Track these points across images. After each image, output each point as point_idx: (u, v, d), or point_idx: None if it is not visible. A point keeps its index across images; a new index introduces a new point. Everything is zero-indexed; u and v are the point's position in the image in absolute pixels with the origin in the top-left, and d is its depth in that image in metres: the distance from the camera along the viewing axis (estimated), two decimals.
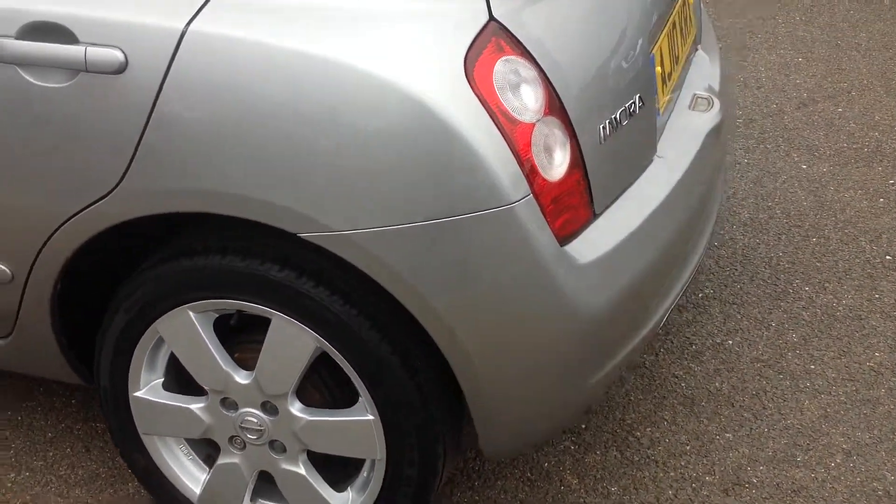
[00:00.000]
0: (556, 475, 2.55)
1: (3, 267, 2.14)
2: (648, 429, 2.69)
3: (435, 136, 1.79)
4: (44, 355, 2.27)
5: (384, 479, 2.11)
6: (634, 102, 2.12)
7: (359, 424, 2.06)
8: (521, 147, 1.85)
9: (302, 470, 2.16)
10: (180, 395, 2.19)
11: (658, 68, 2.31)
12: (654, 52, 2.28)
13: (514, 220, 1.84)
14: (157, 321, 2.09)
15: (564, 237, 1.94)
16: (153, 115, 1.89)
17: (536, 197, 1.86)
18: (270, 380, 2.07)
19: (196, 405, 2.17)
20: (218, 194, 1.90)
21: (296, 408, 2.09)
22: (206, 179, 1.90)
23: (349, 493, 2.18)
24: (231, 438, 2.18)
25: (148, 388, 2.19)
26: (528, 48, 1.91)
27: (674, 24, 2.47)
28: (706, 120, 2.49)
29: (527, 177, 1.85)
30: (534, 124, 1.88)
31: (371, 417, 2.04)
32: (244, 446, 2.17)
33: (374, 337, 1.96)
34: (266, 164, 1.85)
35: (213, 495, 2.25)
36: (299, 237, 1.88)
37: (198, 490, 2.26)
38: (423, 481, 2.10)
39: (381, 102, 1.80)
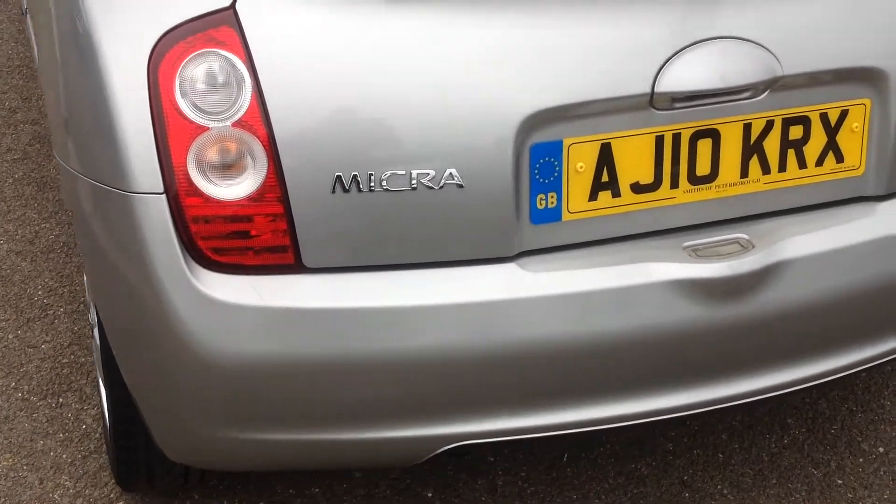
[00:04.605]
0: None
1: None
2: None
3: (102, 100, 1.72)
4: None
5: None
6: (432, 175, 1.70)
7: None
8: (173, 143, 1.68)
9: None
10: None
11: (579, 164, 1.77)
12: (566, 141, 1.75)
13: (130, 210, 1.71)
14: None
15: (224, 264, 1.72)
16: None
17: (174, 200, 1.68)
18: None
19: None
20: None
21: None
22: None
23: None
24: None
25: None
26: (254, 55, 1.67)
27: (708, 132, 1.82)
28: (693, 269, 1.81)
29: (165, 175, 1.68)
30: (207, 128, 1.67)
31: None
32: None
33: None
34: None
35: None
36: None
37: None
38: (112, 422, 2.10)
39: (94, 60, 1.76)
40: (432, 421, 1.83)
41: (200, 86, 1.67)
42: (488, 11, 1.72)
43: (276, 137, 1.67)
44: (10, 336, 2.84)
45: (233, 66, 1.67)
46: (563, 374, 1.83)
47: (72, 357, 2.76)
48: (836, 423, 2.60)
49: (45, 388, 2.65)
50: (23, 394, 2.64)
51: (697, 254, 1.86)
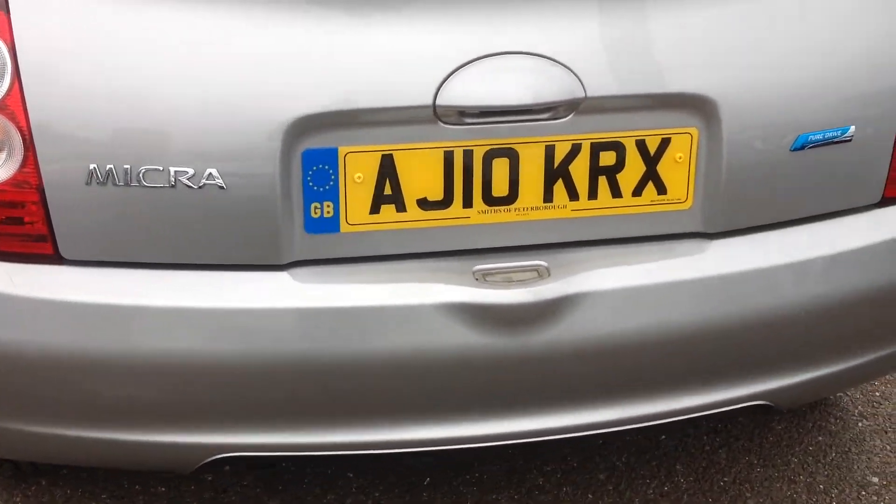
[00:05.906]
0: None
1: None
2: None
3: None
4: None
5: None
6: (191, 173, 1.65)
7: None
8: None
9: None
10: None
11: (357, 174, 1.70)
12: (342, 149, 1.68)
13: None
14: None
15: None
16: None
17: None
18: None
19: None
20: None
21: None
22: None
23: None
24: None
25: None
26: (19, 41, 1.65)
27: (504, 151, 1.71)
28: (474, 294, 1.72)
29: None
30: None
31: None
32: None
33: None
34: None
35: None
36: None
37: None
38: None
39: None
40: (194, 429, 1.78)
41: None
42: (263, 10, 1.66)
43: (33, 125, 1.65)
44: None
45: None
46: (332, 392, 1.76)
47: None
48: (728, 475, 2.44)
49: None
50: None
51: (486, 278, 1.76)
